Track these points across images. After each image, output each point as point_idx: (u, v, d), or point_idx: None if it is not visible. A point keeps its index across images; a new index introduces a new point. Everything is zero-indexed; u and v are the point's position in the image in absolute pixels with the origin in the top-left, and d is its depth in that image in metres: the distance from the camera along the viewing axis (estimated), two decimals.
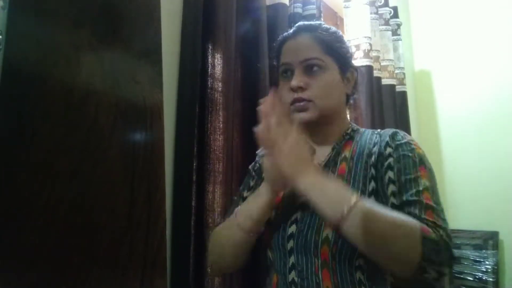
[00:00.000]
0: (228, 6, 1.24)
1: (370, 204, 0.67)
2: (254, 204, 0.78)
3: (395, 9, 2.22)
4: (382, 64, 2.06)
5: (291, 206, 0.81)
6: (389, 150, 0.78)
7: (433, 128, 2.53)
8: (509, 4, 2.29)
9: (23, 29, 0.72)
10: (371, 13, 2.00)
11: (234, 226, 0.79)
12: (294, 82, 0.80)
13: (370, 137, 0.84)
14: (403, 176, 0.74)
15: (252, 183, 0.95)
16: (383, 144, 0.80)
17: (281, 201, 0.83)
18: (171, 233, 1.08)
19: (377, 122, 1.86)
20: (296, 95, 0.80)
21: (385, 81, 2.08)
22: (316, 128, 0.85)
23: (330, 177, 0.73)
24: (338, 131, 0.87)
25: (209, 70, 1.18)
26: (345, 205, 0.64)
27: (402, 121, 2.15)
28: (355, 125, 0.91)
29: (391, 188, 0.75)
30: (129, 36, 0.92)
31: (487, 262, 2.16)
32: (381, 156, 0.79)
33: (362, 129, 0.90)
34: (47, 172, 0.73)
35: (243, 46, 1.36)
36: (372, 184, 0.77)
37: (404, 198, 0.72)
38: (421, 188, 0.72)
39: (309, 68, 0.81)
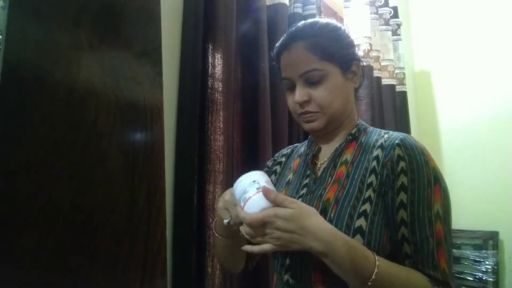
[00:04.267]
0: (228, 6, 1.24)
1: (388, 270, 0.67)
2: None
3: (395, 9, 2.22)
4: (382, 64, 2.06)
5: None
6: (402, 164, 0.73)
7: (433, 128, 2.53)
8: (509, 4, 2.29)
9: (23, 29, 0.72)
10: (371, 13, 2.00)
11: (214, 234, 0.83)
12: (298, 98, 0.80)
13: (376, 139, 0.81)
14: (417, 199, 0.71)
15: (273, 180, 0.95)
16: (391, 152, 0.75)
17: None
18: (172, 233, 1.08)
19: (377, 122, 1.86)
20: (302, 109, 0.81)
21: (385, 81, 2.08)
22: (326, 133, 0.85)
23: (340, 241, 0.66)
24: (345, 131, 0.85)
25: (209, 70, 1.18)
26: (366, 277, 0.65)
27: (402, 121, 2.15)
28: (363, 123, 0.88)
29: (402, 214, 0.72)
30: (129, 36, 0.92)
31: (487, 262, 2.16)
32: (389, 167, 0.74)
33: (369, 129, 0.87)
34: (47, 172, 0.73)
35: (243, 46, 1.36)
36: (370, 192, 0.74)
37: (418, 239, 0.70)
38: (434, 223, 0.70)
39: (310, 80, 0.80)
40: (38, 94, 0.73)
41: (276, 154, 1.02)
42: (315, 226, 0.65)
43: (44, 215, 0.72)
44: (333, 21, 0.87)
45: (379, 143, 0.79)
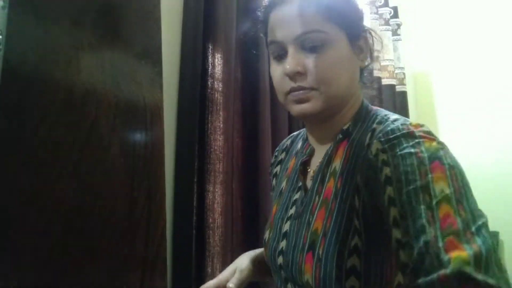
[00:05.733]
0: (228, 6, 1.24)
1: None
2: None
3: (395, 9, 2.22)
4: (382, 64, 2.06)
5: (279, 230, 0.71)
6: (382, 156, 0.55)
7: (433, 128, 2.48)
8: (509, 5, 2.29)
9: (23, 29, 0.72)
10: (371, 13, 2.00)
11: None
12: (289, 67, 0.60)
13: (371, 134, 0.61)
14: (405, 189, 0.50)
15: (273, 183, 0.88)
16: (373, 149, 0.57)
17: (273, 220, 0.74)
18: (172, 233, 1.08)
19: None
20: (293, 84, 0.61)
21: (385, 81, 2.08)
22: (317, 121, 0.68)
23: None
24: (342, 123, 0.66)
25: (209, 70, 1.18)
26: None
27: None
28: (365, 105, 0.68)
29: (393, 212, 0.51)
30: (129, 36, 0.92)
31: None
32: (370, 170, 0.56)
33: (370, 115, 0.66)
34: (47, 172, 0.73)
35: (243, 46, 1.36)
36: (360, 220, 0.56)
37: (415, 248, 0.47)
38: (435, 209, 0.47)
39: (308, 45, 0.61)
40: (38, 94, 0.73)
41: (277, 149, 0.89)
42: None
43: (44, 215, 0.72)
44: None
45: (367, 142, 0.60)
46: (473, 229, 0.45)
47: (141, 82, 0.92)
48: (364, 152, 0.59)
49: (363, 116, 0.66)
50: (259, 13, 0.70)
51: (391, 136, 0.56)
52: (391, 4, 2.20)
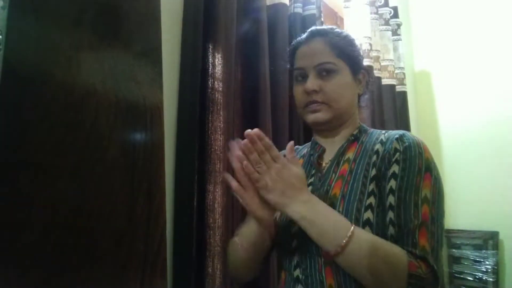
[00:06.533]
0: (228, 6, 1.24)
1: (364, 237, 0.70)
2: (250, 232, 0.82)
3: (395, 9, 2.22)
4: (382, 64, 2.06)
5: None
6: (397, 155, 0.77)
7: (433, 128, 2.53)
8: (509, 4, 2.29)
9: (23, 29, 0.72)
10: (371, 13, 2.00)
11: (237, 248, 0.84)
12: (309, 85, 0.83)
13: (377, 137, 0.85)
14: (405, 185, 0.74)
15: None
16: (389, 146, 0.79)
17: None
18: (172, 233, 1.08)
19: (377, 122, 1.86)
20: (310, 99, 0.84)
21: (385, 81, 2.08)
22: (327, 129, 0.89)
23: (322, 205, 0.72)
24: (348, 132, 0.89)
25: (210, 70, 1.18)
26: (340, 239, 0.67)
27: (402, 121, 2.15)
28: (364, 126, 0.92)
29: (390, 199, 0.75)
30: (129, 36, 0.92)
31: (487, 262, 2.16)
32: (386, 159, 0.78)
33: (370, 130, 0.91)
34: (47, 172, 0.73)
35: (243, 46, 1.36)
36: (373, 185, 0.77)
37: (403, 221, 0.72)
38: (420, 206, 0.72)
39: (323, 72, 0.84)
40: (38, 94, 0.73)
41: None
42: (300, 191, 0.71)
43: (44, 215, 0.72)
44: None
45: (379, 139, 0.83)
46: (437, 223, 0.72)
47: (141, 82, 0.92)
48: (378, 145, 0.81)
49: (364, 130, 0.90)
50: (288, 49, 0.97)
51: (405, 139, 0.79)
52: (391, 4, 2.20)
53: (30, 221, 0.70)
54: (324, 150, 0.90)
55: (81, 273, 0.76)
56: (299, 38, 0.92)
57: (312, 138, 0.95)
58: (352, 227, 0.69)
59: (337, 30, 0.91)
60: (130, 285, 0.84)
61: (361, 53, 0.94)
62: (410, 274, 0.66)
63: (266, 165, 0.72)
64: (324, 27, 0.94)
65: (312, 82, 0.83)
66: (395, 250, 0.69)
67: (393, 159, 0.77)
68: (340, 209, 0.75)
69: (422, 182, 0.73)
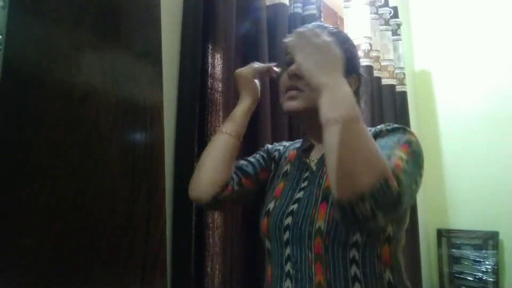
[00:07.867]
0: (228, 6, 1.24)
1: (364, 122, 0.66)
2: (235, 111, 0.94)
3: (395, 9, 2.22)
4: (382, 64, 2.06)
5: (290, 198, 0.83)
6: (382, 133, 0.78)
7: (433, 128, 2.53)
8: (509, 4, 2.29)
9: (23, 29, 0.72)
10: (371, 13, 2.00)
11: (218, 133, 0.93)
12: (292, 67, 0.81)
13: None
14: (384, 142, 0.73)
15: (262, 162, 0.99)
16: (378, 129, 0.79)
17: (280, 194, 0.86)
18: (172, 233, 1.08)
19: (377, 122, 1.86)
20: (291, 82, 0.83)
21: (385, 81, 2.08)
22: (316, 125, 0.83)
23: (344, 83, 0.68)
24: None
25: (209, 70, 1.18)
26: (347, 111, 0.64)
27: (402, 121, 2.15)
28: None
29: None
30: (129, 36, 0.92)
31: (487, 262, 2.16)
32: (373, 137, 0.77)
33: None
34: (47, 172, 0.73)
35: (243, 46, 1.36)
36: None
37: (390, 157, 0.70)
38: (396, 154, 0.69)
39: None
40: (38, 94, 0.73)
41: (270, 146, 1.04)
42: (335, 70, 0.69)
43: (44, 215, 0.72)
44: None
45: (371, 131, 0.80)
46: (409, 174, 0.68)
47: (141, 82, 0.92)
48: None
49: None
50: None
51: (394, 126, 0.78)
52: (391, 4, 2.20)
53: (30, 221, 0.70)
54: (313, 146, 0.89)
55: (81, 273, 0.76)
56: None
57: (296, 141, 0.98)
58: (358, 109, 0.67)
59: (343, 34, 0.91)
60: (130, 285, 0.84)
61: (358, 59, 0.93)
62: (385, 178, 0.59)
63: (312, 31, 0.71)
64: (325, 25, 0.92)
65: (295, 66, 0.79)
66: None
67: (379, 136, 0.77)
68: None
69: (399, 147, 0.71)
